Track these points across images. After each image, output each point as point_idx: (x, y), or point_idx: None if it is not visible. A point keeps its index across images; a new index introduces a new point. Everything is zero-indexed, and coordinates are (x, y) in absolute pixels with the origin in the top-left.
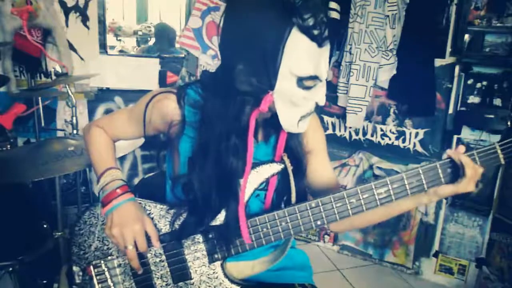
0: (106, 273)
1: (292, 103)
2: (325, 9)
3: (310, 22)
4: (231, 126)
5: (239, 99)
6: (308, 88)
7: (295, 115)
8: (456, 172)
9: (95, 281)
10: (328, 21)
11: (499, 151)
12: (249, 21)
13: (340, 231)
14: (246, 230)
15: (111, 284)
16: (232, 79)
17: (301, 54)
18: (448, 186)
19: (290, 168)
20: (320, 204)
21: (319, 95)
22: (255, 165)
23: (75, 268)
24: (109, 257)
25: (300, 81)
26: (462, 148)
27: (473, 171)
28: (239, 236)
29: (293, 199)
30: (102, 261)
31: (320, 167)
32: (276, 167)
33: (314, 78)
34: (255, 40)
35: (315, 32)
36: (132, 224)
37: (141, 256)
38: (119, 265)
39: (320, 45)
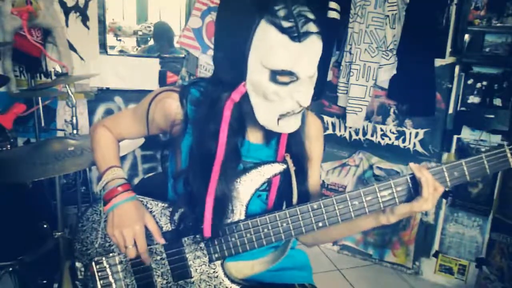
0: (108, 269)
1: (264, 97)
2: (308, 5)
3: (281, 13)
4: (211, 115)
5: (218, 89)
6: (282, 83)
7: (272, 111)
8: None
9: (96, 277)
10: (316, 16)
11: (509, 154)
12: (227, 11)
13: (306, 244)
14: (209, 223)
15: (112, 281)
16: (214, 68)
17: (269, 46)
18: (404, 205)
19: (292, 169)
20: (322, 206)
21: (299, 94)
22: (256, 165)
23: (77, 264)
24: (111, 254)
25: (273, 74)
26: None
27: (430, 191)
28: (230, 233)
29: (295, 200)
30: (103, 258)
31: (311, 175)
32: (278, 167)
33: (289, 74)
34: (229, 29)
35: (285, 24)
36: (132, 224)
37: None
38: (121, 262)
39: (294, 39)
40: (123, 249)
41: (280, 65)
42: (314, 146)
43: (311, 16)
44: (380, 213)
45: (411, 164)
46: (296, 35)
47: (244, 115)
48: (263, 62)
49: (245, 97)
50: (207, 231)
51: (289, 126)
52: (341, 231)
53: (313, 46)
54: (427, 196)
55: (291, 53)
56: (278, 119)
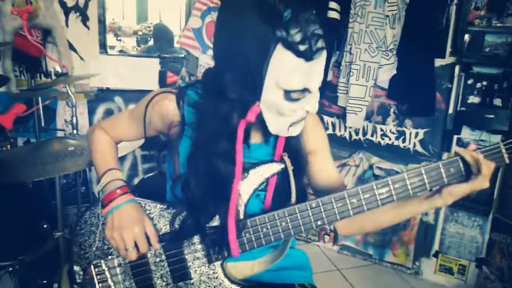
0: (106, 272)
1: (279, 113)
2: (318, 21)
3: (297, 37)
4: (220, 131)
5: (228, 106)
6: (296, 100)
7: (284, 123)
8: (459, 171)
9: (95, 280)
10: (323, 32)
11: (503, 151)
12: (237, 30)
13: (351, 234)
14: (236, 244)
15: (112, 284)
16: (222, 85)
17: (286, 70)
18: (462, 185)
19: (290, 168)
20: (320, 204)
21: (309, 105)
22: (255, 165)
23: (76, 268)
24: (109, 257)
25: (287, 93)
26: (472, 146)
27: (488, 168)
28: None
29: (293, 199)
30: (102, 261)
31: (323, 167)
32: (276, 167)
33: (303, 91)
34: (242, 52)
35: (302, 47)
36: (132, 226)
37: (142, 256)
38: (119, 265)
39: (308, 59)
40: (123, 251)
41: (296, 86)
42: (314, 136)
43: (320, 32)
44: (435, 196)
45: (457, 148)
46: (310, 55)
47: (251, 128)
48: (279, 84)
49: (259, 115)
50: (235, 252)
51: (296, 130)
52: (391, 218)
53: (322, 59)
54: (485, 172)
55: (305, 73)
56: (289, 127)
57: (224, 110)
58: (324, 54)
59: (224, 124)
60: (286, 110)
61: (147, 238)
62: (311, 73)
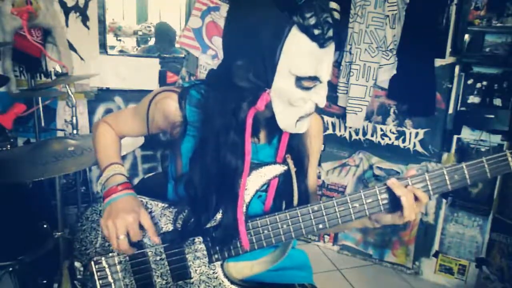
0: (107, 269)
1: (289, 103)
2: (329, 9)
3: (312, 21)
4: (228, 123)
5: (237, 96)
6: (306, 88)
7: (293, 115)
8: (464, 178)
9: (95, 277)
10: (333, 21)
11: (509, 159)
12: (250, 16)
13: None
14: (246, 236)
15: (112, 281)
16: (231, 75)
17: (300, 53)
18: (387, 216)
19: (293, 170)
20: (322, 208)
21: (319, 96)
22: (258, 166)
23: (76, 264)
24: (110, 254)
25: (299, 81)
26: (411, 172)
27: (410, 204)
28: (238, 239)
29: (295, 201)
30: (103, 258)
31: (310, 172)
32: (279, 169)
33: (314, 79)
34: (255, 36)
35: (316, 31)
36: (125, 215)
37: (142, 254)
38: (120, 262)
39: (321, 45)
40: (114, 240)
41: (308, 71)
42: (315, 141)
43: (331, 21)
44: (366, 220)
45: (389, 182)
46: (323, 42)
47: (260, 121)
48: (291, 69)
49: (268, 104)
50: (246, 244)
51: (304, 126)
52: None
53: (332, 50)
54: (407, 211)
55: (317, 59)
56: (297, 121)
57: (232, 100)
58: (333, 46)
59: (233, 114)
60: (297, 98)
61: (147, 233)
62: (322, 61)
